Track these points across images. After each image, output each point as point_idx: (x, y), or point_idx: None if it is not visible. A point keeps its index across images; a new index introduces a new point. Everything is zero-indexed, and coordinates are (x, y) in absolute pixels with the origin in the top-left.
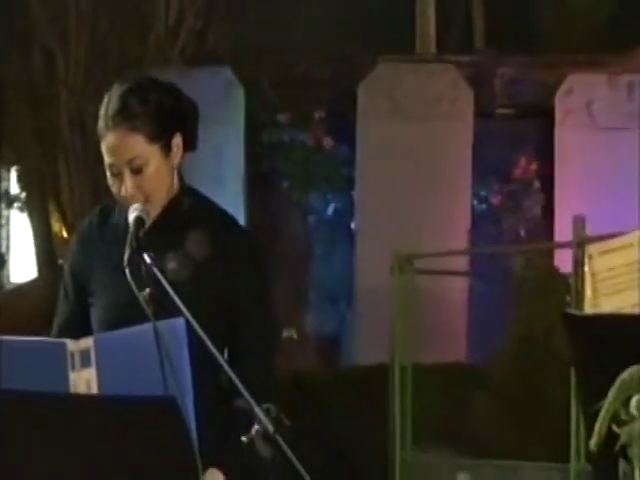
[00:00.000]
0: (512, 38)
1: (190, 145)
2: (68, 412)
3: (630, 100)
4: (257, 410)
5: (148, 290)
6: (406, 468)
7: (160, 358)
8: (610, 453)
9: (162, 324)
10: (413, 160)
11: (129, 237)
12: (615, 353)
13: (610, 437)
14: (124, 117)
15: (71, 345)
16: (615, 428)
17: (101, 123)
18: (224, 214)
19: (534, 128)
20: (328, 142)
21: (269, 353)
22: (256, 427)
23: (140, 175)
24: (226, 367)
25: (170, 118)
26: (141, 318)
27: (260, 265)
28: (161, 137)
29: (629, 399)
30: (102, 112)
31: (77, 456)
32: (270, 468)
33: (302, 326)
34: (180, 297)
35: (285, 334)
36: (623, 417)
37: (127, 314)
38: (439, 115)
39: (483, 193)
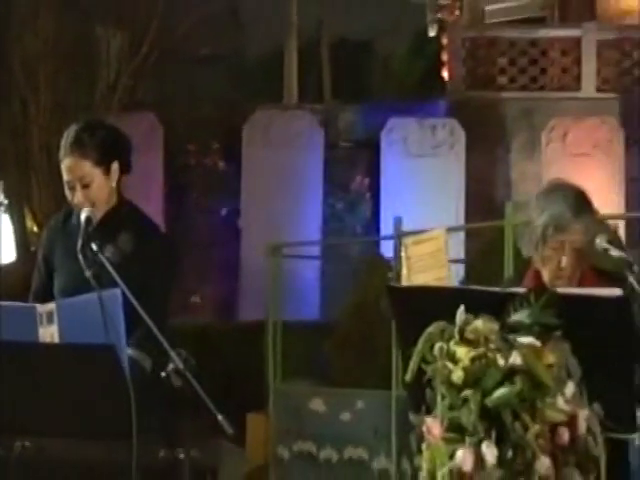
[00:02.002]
0: (350, 91)
1: (126, 170)
2: (37, 355)
3: (434, 136)
4: (171, 353)
5: (91, 270)
6: (277, 395)
7: (103, 317)
8: (420, 383)
9: (105, 293)
10: (281, 177)
11: (81, 231)
12: (423, 313)
13: (420, 372)
14: (77, 147)
15: (39, 308)
16: (423, 366)
17: (61, 151)
18: (149, 221)
19: (366, 155)
20: (222, 165)
21: (162, 317)
22: (171, 365)
23: (88, 189)
24: (149, 322)
25: (110, 149)
26: (87, 288)
27: (168, 262)
28: (103, 162)
29: (432, 346)
30: (62, 143)
31: (43, 385)
32: (181, 394)
33: (205, 293)
34: (111, 276)
35: (192, 299)
36: (429, 358)
37: (77, 286)
38: (299, 146)
39: (330, 201)
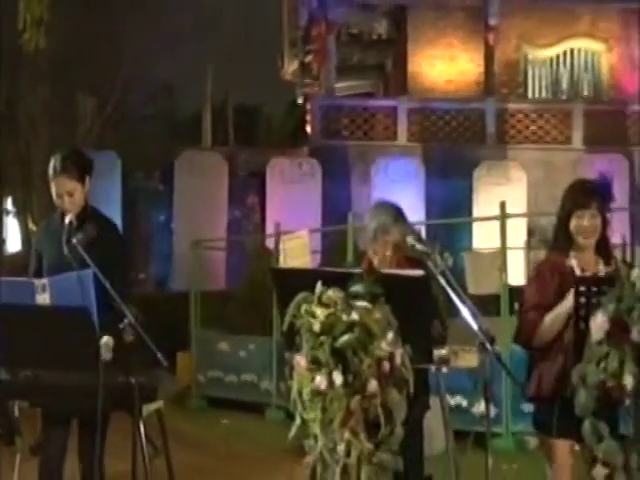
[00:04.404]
0: (246, 139)
1: (90, 179)
2: (35, 313)
3: (300, 170)
4: (126, 311)
5: (71, 255)
6: (197, 340)
7: (80, 288)
8: (292, 332)
9: (81, 272)
10: (200, 195)
11: (65, 230)
12: (293, 286)
13: (292, 325)
14: (64, 170)
15: (36, 282)
16: (294, 320)
17: (51, 171)
18: (105, 217)
19: (257, 182)
20: (161, 186)
21: (124, 285)
22: (126, 320)
23: (73, 197)
24: (113, 294)
25: (85, 169)
26: (65, 269)
27: (120, 243)
28: (81, 179)
29: (300, 307)
30: (51, 165)
31: (39, 334)
32: (133, 343)
33: (148, 272)
34: (81, 258)
35: (140, 276)
36: (298, 315)
37: (58, 267)
38: (212, 175)
39: (233, 211)
